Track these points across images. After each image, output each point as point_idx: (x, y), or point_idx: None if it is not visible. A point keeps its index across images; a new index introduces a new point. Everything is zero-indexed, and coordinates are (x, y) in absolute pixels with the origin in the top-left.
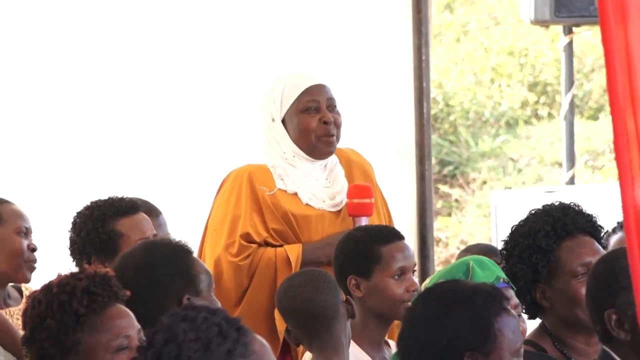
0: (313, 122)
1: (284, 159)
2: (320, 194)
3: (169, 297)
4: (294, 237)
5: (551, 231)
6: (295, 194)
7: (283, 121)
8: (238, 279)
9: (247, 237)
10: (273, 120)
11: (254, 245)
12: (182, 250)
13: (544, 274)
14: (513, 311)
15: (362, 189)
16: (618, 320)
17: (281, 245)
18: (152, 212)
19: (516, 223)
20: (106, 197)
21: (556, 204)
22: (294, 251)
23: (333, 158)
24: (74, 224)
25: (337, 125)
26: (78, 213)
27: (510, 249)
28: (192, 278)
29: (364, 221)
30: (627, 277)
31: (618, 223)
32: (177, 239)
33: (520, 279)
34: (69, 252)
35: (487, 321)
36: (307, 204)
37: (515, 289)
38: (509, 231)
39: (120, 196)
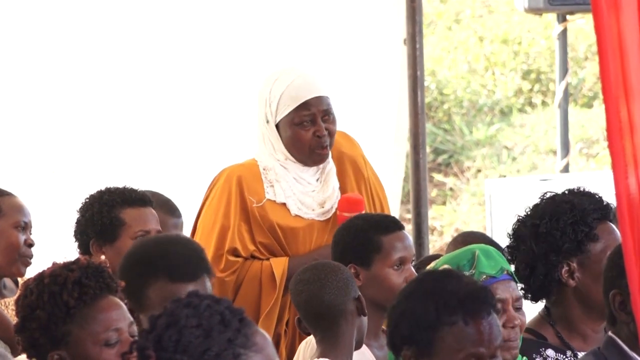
0: (307, 135)
1: (276, 159)
2: (310, 201)
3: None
4: (281, 250)
5: (597, 210)
6: (284, 204)
7: (277, 125)
8: (223, 293)
9: (234, 252)
10: (267, 122)
11: (241, 260)
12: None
13: (586, 251)
14: (515, 304)
15: (354, 202)
16: (622, 303)
17: (268, 259)
18: (174, 212)
19: (539, 202)
20: (121, 186)
21: (581, 189)
22: (279, 266)
23: None
24: (83, 204)
25: (331, 135)
26: (90, 195)
27: (545, 223)
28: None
29: None
30: None
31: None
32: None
33: (542, 257)
34: (72, 232)
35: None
36: (296, 215)
37: (517, 281)
38: (530, 209)
39: (134, 187)
